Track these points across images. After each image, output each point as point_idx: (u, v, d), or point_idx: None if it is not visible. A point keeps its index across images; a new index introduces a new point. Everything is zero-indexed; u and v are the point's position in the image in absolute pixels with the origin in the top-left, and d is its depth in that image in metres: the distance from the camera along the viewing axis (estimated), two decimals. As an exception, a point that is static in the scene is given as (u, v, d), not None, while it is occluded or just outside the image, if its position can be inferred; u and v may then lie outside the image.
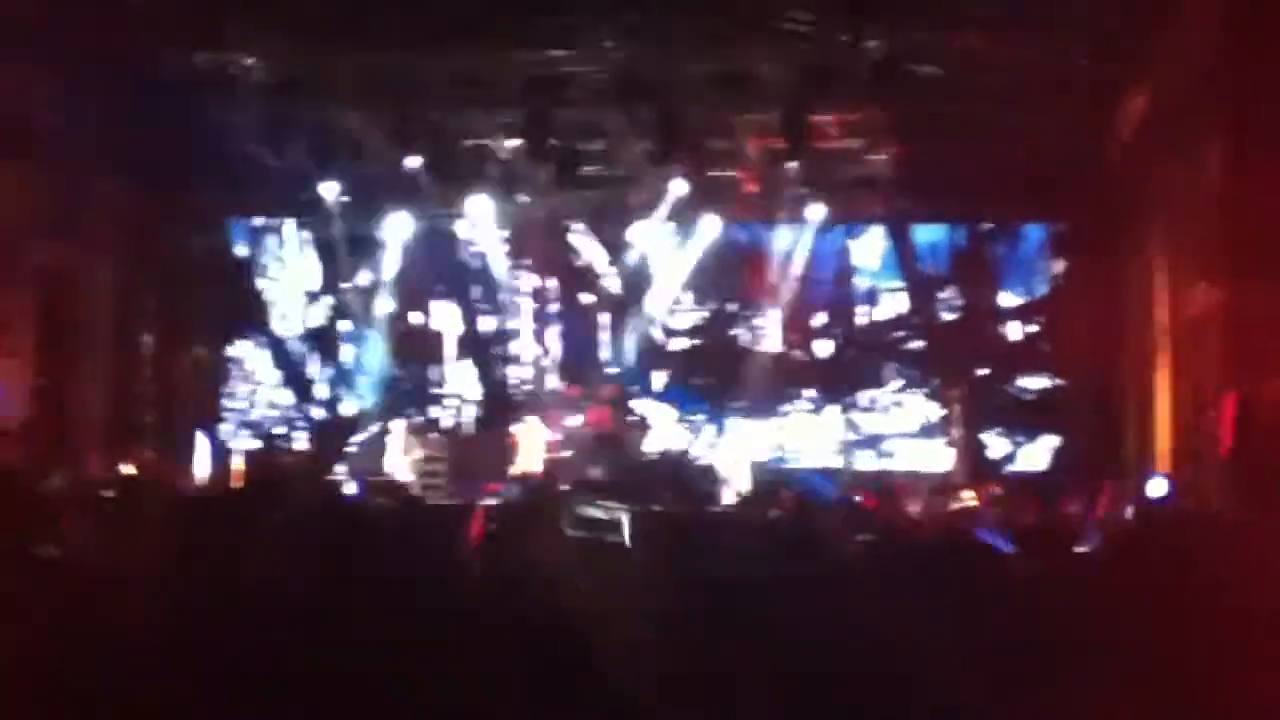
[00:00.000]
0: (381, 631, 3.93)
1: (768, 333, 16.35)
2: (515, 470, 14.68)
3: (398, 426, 15.48)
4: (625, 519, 6.43)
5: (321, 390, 16.97)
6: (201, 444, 15.50)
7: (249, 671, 3.81)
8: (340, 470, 15.08)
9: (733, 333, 16.63)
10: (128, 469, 13.03)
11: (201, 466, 15.14)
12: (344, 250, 16.56)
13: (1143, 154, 12.72)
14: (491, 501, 10.68)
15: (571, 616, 3.89)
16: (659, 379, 16.58)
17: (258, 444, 16.42)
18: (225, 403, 16.75)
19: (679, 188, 15.03)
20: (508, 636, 3.72)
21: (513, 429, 15.51)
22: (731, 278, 16.55)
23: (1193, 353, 11.53)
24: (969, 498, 12.66)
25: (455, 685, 3.63)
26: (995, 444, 15.65)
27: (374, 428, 16.08)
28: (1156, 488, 11.02)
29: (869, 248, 16.33)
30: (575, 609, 3.90)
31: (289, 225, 16.94)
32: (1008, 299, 16.04)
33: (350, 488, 12.52)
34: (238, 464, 15.12)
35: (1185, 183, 11.36)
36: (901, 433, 16.00)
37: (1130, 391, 13.62)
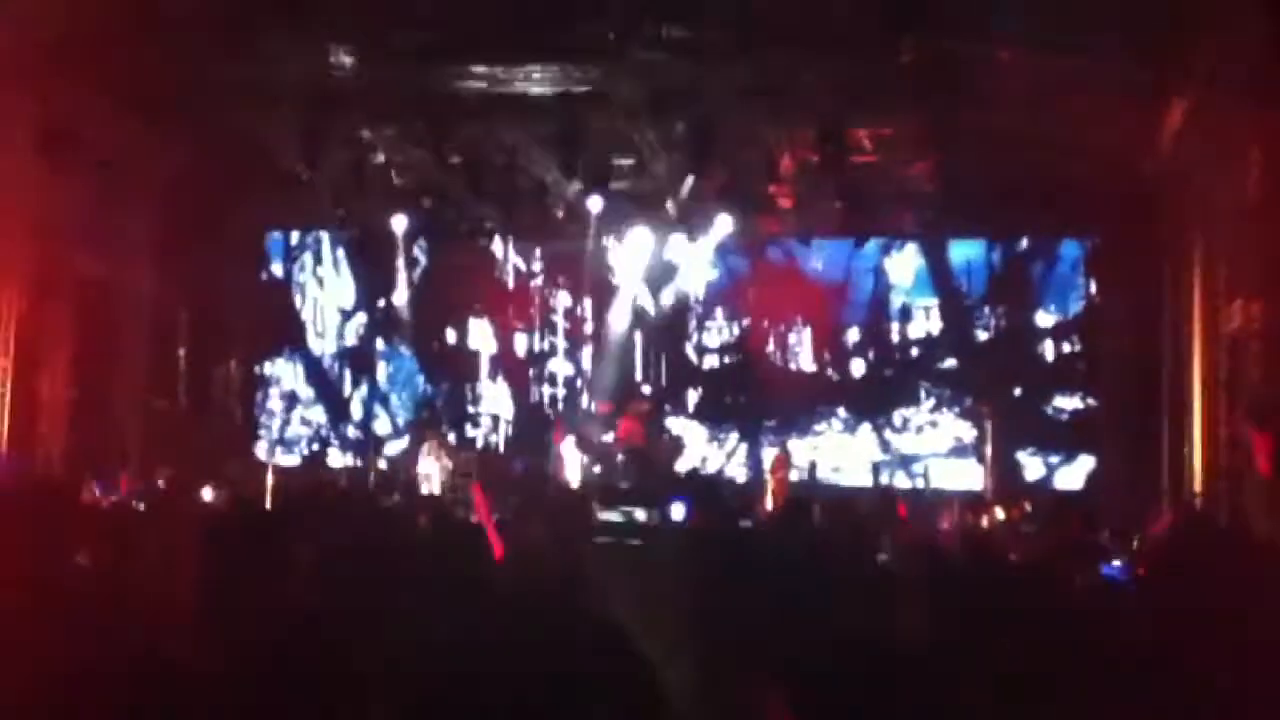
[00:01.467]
0: (415, 641, 3.90)
1: (801, 350, 16.27)
2: (547, 484, 14.67)
3: (431, 443, 15.50)
4: (645, 521, 6.43)
5: (356, 407, 17.03)
6: (238, 459, 15.55)
7: (286, 684, 3.79)
8: (374, 485, 15.11)
9: (766, 350, 16.56)
10: (162, 483, 13.07)
11: (237, 482, 15.18)
12: (379, 267, 16.65)
13: (1181, 167, 12.62)
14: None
15: (594, 625, 3.86)
16: (691, 397, 16.54)
17: (293, 460, 16.48)
18: (261, 419, 16.83)
19: (712, 202, 15.00)
20: (533, 643, 3.69)
21: (545, 444, 15.51)
22: (764, 294, 16.49)
23: (1231, 368, 11.41)
24: (1001, 515, 12.55)
25: (483, 691, 3.61)
26: (1030, 463, 15.51)
27: (407, 444, 16.12)
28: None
29: (904, 264, 16.24)
30: (598, 618, 3.87)
31: (325, 242, 17.03)
32: (1043, 317, 15.90)
33: (384, 502, 12.52)
34: (273, 480, 15.13)
35: (1224, 197, 11.26)
36: (934, 452, 15.89)
37: (1167, 409, 13.49)
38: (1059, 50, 11.72)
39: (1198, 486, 12.08)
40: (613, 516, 11.80)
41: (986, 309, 16.00)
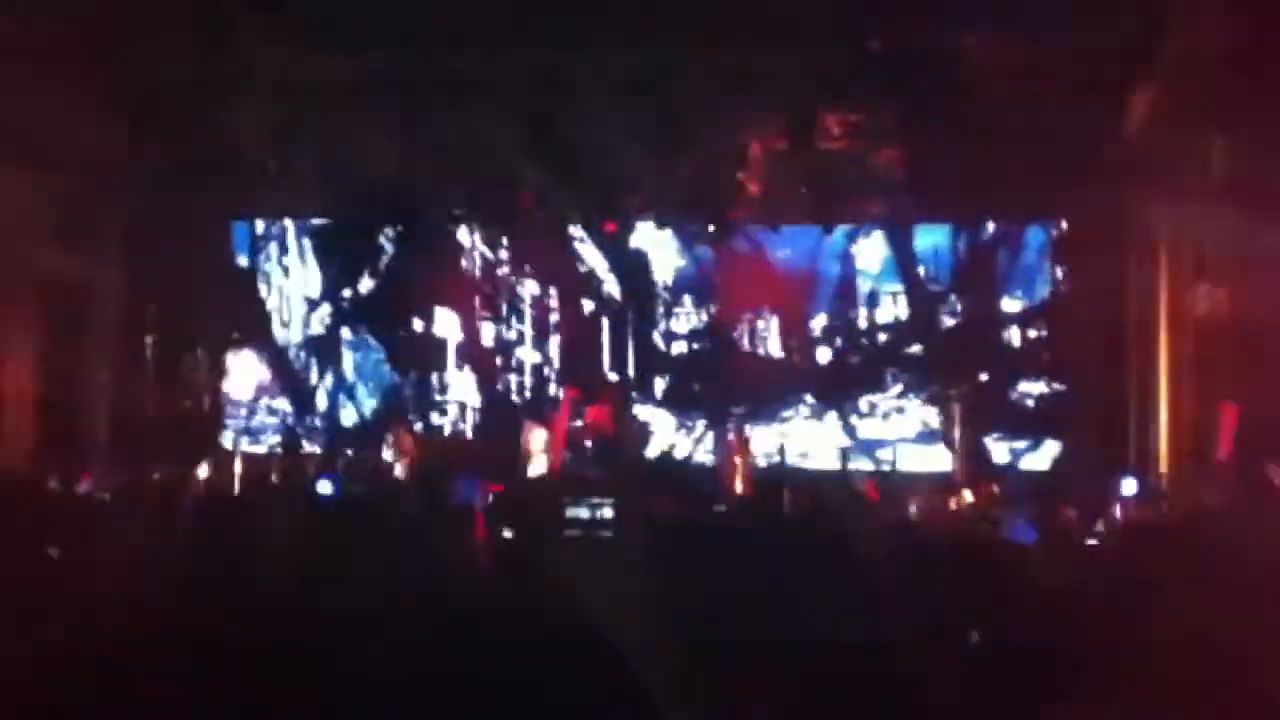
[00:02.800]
0: (385, 628, 3.89)
1: (769, 337, 16.30)
2: (514, 472, 14.65)
3: (396, 430, 15.43)
4: (613, 515, 6.42)
5: (322, 396, 16.96)
6: (204, 449, 15.48)
7: (254, 673, 3.78)
8: (340, 472, 15.07)
9: (733, 337, 16.57)
10: (132, 473, 12.99)
11: (204, 471, 15.12)
12: (345, 256, 16.58)
13: (1147, 153, 12.71)
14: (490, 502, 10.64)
15: (567, 615, 3.85)
16: (659, 383, 16.54)
17: (259, 449, 16.41)
18: (227, 408, 16.74)
19: (680, 189, 15.00)
20: (506, 631, 3.69)
21: (511, 431, 15.48)
22: (732, 281, 16.50)
23: (1196, 351, 11.52)
24: (969, 498, 12.63)
25: (455, 681, 3.60)
26: (997, 448, 15.58)
27: (374, 432, 16.05)
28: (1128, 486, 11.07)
29: (871, 251, 16.27)
30: (570, 608, 3.87)
31: (290, 232, 16.94)
32: (1010, 302, 15.97)
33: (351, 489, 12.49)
34: (240, 468, 15.06)
35: (1189, 181, 11.36)
36: (902, 437, 15.94)
37: (1133, 392, 13.60)
38: (1026, 37, 11.79)
39: (1164, 468, 12.20)
40: (580, 511, 11.75)
41: (953, 295, 16.05)
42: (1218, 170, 10.61)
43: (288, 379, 17.04)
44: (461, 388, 16.87)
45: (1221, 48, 10.16)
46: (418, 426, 16.20)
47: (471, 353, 16.83)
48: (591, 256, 16.54)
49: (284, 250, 17.05)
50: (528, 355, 16.82)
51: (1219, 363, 10.89)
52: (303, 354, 17.09)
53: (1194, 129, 11.05)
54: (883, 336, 16.35)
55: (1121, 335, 13.93)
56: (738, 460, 14.66)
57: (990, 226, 15.91)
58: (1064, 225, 15.41)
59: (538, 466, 14.67)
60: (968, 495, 12.51)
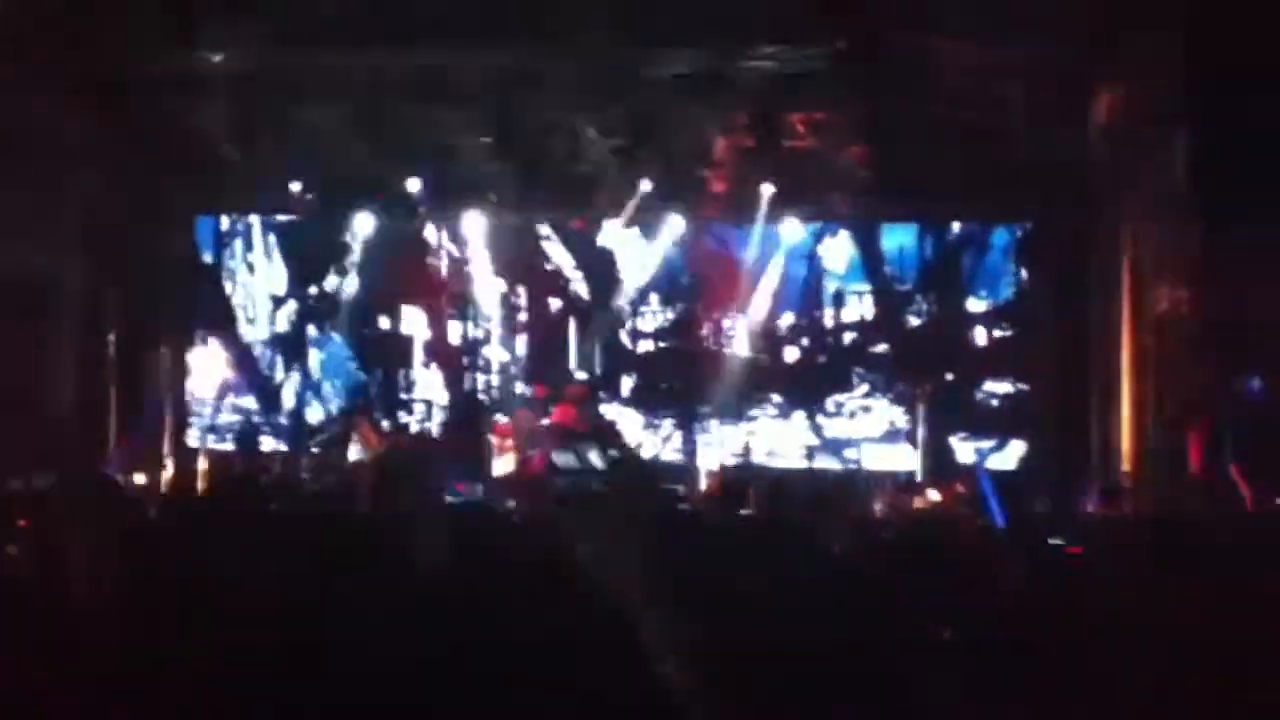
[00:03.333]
0: (357, 627, 3.88)
1: (735, 336, 16.32)
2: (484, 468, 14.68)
3: (362, 428, 15.38)
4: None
5: (288, 394, 16.88)
6: (167, 445, 15.40)
7: (214, 675, 3.75)
8: (308, 470, 15.04)
9: (699, 335, 16.58)
10: (94, 470, 12.90)
11: (167, 468, 15.05)
12: (311, 253, 16.52)
13: (1110, 154, 12.80)
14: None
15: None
16: (626, 382, 16.54)
17: (223, 446, 16.32)
18: (191, 405, 16.64)
19: (646, 188, 15.01)
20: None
21: (480, 429, 15.48)
22: (699, 280, 16.51)
23: (1158, 351, 11.62)
24: (934, 496, 12.72)
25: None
26: (962, 448, 15.64)
27: (338, 430, 15.99)
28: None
29: (837, 250, 16.30)
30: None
31: (256, 228, 16.85)
32: (974, 302, 16.02)
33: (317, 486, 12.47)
34: (203, 465, 15.00)
35: (1152, 182, 11.45)
36: (868, 437, 15.98)
37: (1096, 391, 13.70)
38: (992, 39, 11.86)
39: (1126, 467, 12.29)
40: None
41: (918, 295, 16.10)
42: (1179, 171, 10.71)
43: (252, 375, 16.95)
44: (428, 386, 16.83)
45: (1184, 50, 10.24)
46: (384, 424, 16.15)
47: (438, 350, 16.79)
48: (559, 255, 16.52)
49: (249, 246, 16.96)
50: (494, 353, 16.79)
51: (1181, 362, 10.99)
52: (268, 350, 17.01)
53: (1158, 129, 11.15)
54: (849, 336, 16.40)
55: (1085, 335, 14.01)
56: (703, 459, 14.72)
57: (955, 227, 16.00)
58: (1029, 226, 15.49)
59: (504, 464, 14.69)
60: (933, 494, 12.59)
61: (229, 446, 16.35)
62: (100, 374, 15.09)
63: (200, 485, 13.61)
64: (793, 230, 15.75)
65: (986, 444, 15.55)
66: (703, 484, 14.34)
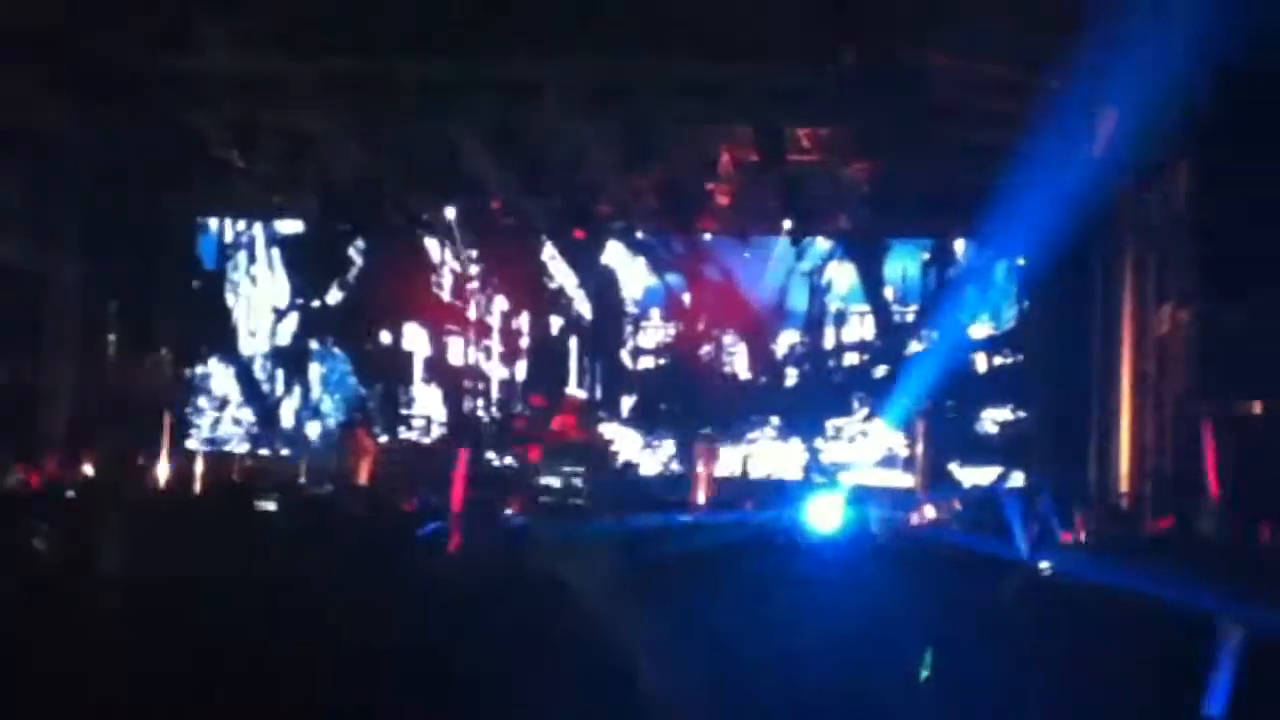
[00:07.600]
0: (350, 616, 3.91)
1: (735, 356, 16.30)
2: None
3: (358, 435, 15.36)
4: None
5: (288, 407, 16.86)
6: (165, 447, 15.42)
7: (210, 665, 3.78)
8: (306, 474, 15.05)
9: (700, 355, 16.53)
10: (89, 470, 12.96)
11: (164, 470, 15.05)
12: (313, 266, 16.51)
13: (1113, 176, 12.80)
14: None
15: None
16: (626, 401, 16.49)
17: (221, 450, 16.31)
18: (189, 413, 16.62)
19: (652, 202, 15.02)
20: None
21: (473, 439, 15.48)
22: (700, 299, 16.48)
23: (1159, 372, 11.62)
24: (931, 514, 12.70)
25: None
26: (961, 473, 15.57)
27: (338, 438, 15.98)
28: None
29: (838, 271, 16.26)
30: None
31: (259, 240, 16.83)
32: (976, 327, 15.95)
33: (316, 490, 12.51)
34: (200, 468, 15.01)
35: (1154, 205, 11.47)
36: (866, 462, 15.91)
37: (1096, 416, 13.66)
38: (994, 58, 11.88)
39: (1124, 487, 12.28)
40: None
41: (919, 319, 16.05)
42: (1181, 194, 10.72)
43: (252, 382, 16.94)
44: (427, 399, 16.81)
45: (1187, 77, 10.25)
46: (382, 437, 16.11)
47: (438, 364, 16.76)
48: (560, 271, 16.49)
49: (251, 256, 16.96)
50: (495, 370, 16.74)
51: (1179, 382, 10.99)
52: (268, 360, 16.99)
53: (1158, 153, 11.16)
54: (849, 359, 16.34)
55: (1086, 360, 13.97)
56: (702, 472, 14.71)
57: (958, 247, 15.95)
58: (1029, 246, 15.45)
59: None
60: (930, 512, 12.58)
61: (228, 448, 16.37)
62: (100, 375, 15.12)
63: (198, 486, 13.68)
64: (796, 248, 15.73)
65: (986, 469, 15.46)
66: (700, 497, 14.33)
